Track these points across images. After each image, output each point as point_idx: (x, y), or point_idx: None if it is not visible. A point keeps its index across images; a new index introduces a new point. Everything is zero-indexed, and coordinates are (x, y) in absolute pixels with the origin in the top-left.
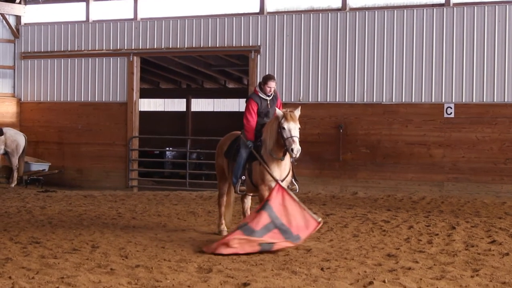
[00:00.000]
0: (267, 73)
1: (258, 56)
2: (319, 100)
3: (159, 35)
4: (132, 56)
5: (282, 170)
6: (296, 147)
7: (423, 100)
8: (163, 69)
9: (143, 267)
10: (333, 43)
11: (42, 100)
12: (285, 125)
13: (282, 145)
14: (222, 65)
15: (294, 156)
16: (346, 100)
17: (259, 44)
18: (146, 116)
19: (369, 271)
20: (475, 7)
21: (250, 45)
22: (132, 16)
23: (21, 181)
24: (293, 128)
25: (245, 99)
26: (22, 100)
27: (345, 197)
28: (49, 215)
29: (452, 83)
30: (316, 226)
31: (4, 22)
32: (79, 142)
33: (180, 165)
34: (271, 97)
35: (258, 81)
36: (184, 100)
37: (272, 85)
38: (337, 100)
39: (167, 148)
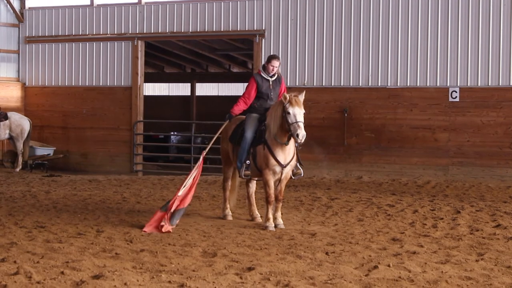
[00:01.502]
0: None
1: (263, 40)
2: (323, 84)
3: (164, 19)
4: (136, 40)
5: (286, 154)
6: (302, 133)
7: (428, 84)
8: (167, 53)
9: (148, 251)
10: (338, 27)
11: (46, 84)
12: (290, 110)
13: (286, 130)
14: (227, 49)
15: (299, 141)
16: (351, 84)
17: (263, 28)
18: (150, 100)
19: (374, 256)
20: None
21: (255, 29)
22: (136, 0)
23: (26, 166)
24: (298, 113)
25: None
26: (27, 84)
27: (349, 182)
28: (54, 199)
29: (457, 67)
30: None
31: (8, 6)
32: (84, 127)
33: (184, 150)
34: (274, 78)
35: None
36: (189, 84)
37: (275, 64)
38: (341, 84)
39: (172, 133)
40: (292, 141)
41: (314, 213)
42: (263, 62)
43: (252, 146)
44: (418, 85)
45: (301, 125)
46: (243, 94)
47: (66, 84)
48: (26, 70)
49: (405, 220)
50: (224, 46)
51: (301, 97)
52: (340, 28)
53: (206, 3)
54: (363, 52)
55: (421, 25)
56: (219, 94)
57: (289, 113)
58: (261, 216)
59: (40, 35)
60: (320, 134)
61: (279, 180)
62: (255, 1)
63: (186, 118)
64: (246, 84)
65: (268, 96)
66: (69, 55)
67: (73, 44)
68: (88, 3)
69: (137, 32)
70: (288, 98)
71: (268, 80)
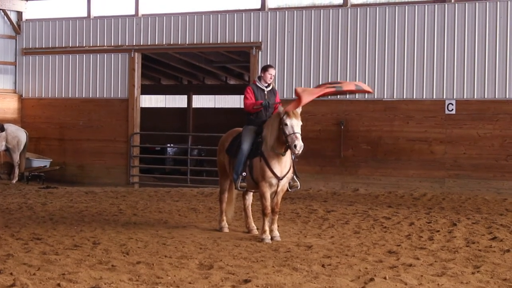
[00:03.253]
0: None
1: (259, 52)
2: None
3: (160, 31)
4: (133, 52)
5: (283, 166)
6: (299, 144)
7: (424, 97)
8: (164, 65)
9: (144, 263)
10: (334, 40)
11: (43, 96)
12: (288, 122)
13: (283, 142)
14: (223, 62)
15: (297, 153)
16: (347, 97)
17: (260, 41)
18: (147, 112)
19: (370, 268)
20: (477, 3)
21: (251, 41)
22: (133, 12)
23: (22, 178)
24: (295, 125)
25: None
26: (24, 96)
27: (346, 194)
28: (50, 211)
29: (453, 79)
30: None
31: (5, 18)
32: (80, 139)
33: (181, 162)
34: (269, 89)
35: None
36: (185, 96)
37: (272, 72)
38: (338, 97)
39: (168, 145)
40: (288, 154)
41: (311, 225)
42: (259, 74)
43: (249, 158)
44: (414, 97)
45: (299, 136)
46: (245, 101)
47: (63, 96)
48: (23, 82)
49: (401, 233)
50: (220, 58)
51: (298, 109)
52: (337, 41)
53: (203, 15)
54: (359, 64)
55: (417, 38)
56: (216, 106)
57: (286, 124)
58: (257, 228)
59: (37, 47)
60: (316, 147)
61: (276, 193)
62: (251, 14)
63: (183, 130)
64: (242, 96)
65: (265, 108)
66: (66, 67)
67: (70, 56)
68: (85, 15)
69: (134, 44)
70: (285, 110)
71: (264, 90)
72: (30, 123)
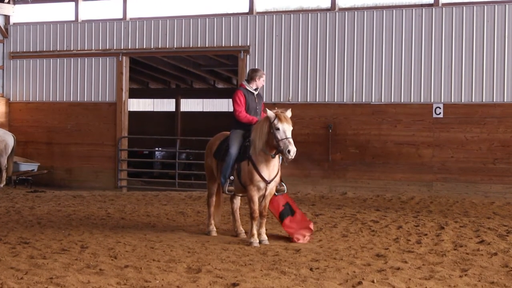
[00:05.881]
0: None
1: (248, 56)
2: (308, 100)
3: (148, 35)
4: (121, 56)
5: (270, 170)
6: (293, 149)
7: (412, 100)
8: (152, 69)
9: (132, 267)
10: (322, 43)
11: (31, 100)
12: (280, 126)
13: (273, 146)
14: (212, 65)
15: (290, 158)
16: (336, 100)
17: (248, 44)
18: (135, 116)
19: (358, 271)
20: (464, 7)
21: (240, 45)
22: (121, 16)
23: (10, 181)
24: (287, 130)
25: None
26: (11, 100)
27: (334, 197)
28: (38, 215)
29: (441, 83)
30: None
31: None
32: (68, 142)
33: (169, 165)
34: (257, 93)
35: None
36: (173, 100)
37: (264, 77)
38: (326, 100)
39: (156, 148)
40: (277, 157)
41: None
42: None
43: (237, 162)
44: (402, 101)
45: (292, 141)
46: (237, 109)
47: (51, 100)
48: (11, 86)
49: (389, 236)
50: (209, 62)
51: (289, 113)
52: (325, 44)
53: (191, 19)
54: (347, 68)
55: (405, 42)
56: (204, 110)
57: (278, 129)
58: (245, 232)
59: (24, 50)
60: (304, 150)
61: (264, 196)
62: (240, 17)
63: (171, 133)
64: (230, 100)
65: (255, 110)
66: (54, 70)
67: (58, 59)
68: (73, 18)
69: (122, 47)
70: (276, 114)
71: (253, 94)
72: (17, 127)
